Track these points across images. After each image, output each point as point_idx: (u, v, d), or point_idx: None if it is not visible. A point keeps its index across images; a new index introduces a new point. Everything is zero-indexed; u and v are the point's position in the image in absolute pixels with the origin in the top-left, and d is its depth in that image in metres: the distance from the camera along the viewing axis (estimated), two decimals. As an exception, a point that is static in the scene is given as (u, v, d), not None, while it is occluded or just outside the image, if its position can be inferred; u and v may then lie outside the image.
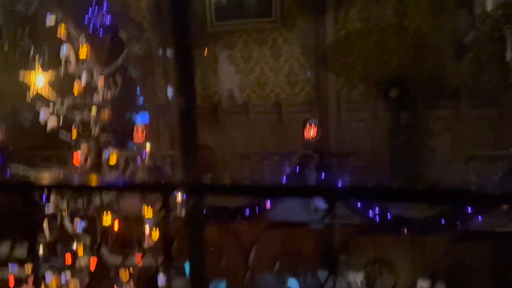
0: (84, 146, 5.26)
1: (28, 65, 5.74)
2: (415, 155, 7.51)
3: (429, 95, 7.42)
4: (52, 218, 6.05)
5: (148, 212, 5.70)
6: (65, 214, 5.77)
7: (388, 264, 7.96)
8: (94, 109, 5.35)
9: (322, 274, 8.24)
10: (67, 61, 5.66)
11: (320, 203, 6.82)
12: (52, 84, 5.78)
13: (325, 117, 7.86)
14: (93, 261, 5.19)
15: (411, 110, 7.50)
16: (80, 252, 5.51)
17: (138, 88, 9.93)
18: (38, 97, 5.75)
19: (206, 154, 8.69)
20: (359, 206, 6.43)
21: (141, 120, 9.44)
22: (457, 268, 7.39)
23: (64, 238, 6.28)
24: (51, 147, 8.64)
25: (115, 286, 5.82)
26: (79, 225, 5.16)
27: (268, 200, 7.00)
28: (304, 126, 6.76)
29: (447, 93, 7.47)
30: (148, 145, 6.48)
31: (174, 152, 7.94)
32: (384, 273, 8.03)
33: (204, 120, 8.86)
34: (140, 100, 10.37)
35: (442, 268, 7.55)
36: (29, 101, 5.74)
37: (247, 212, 7.00)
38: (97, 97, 5.52)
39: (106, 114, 5.47)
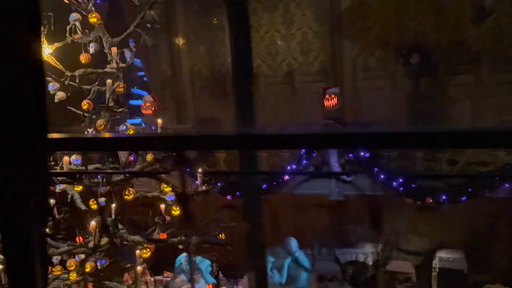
0: (99, 120, 4.93)
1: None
2: (435, 124, 7.27)
3: (450, 60, 7.14)
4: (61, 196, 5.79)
5: (167, 188, 5.43)
6: (77, 189, 5.49)
7: (406, 234, 7.83)
8: (109, 80, 4.99)
9: (338, 246, 8.11)
10: (74, 30, 5.29)
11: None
12: (59, 54, 5.42)
13: (340, 86, 7.55)
14: (114, 241, 4.93)
15: (431, 77, 7.23)
16: (96, 231, 5.21)
17: (139, 61, 9.54)
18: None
19: (214, 128, 8.40)
20: (382, 177, 6.23)
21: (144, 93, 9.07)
22: (476, 238, 7.27)
23: (76, 218, 6.01)
24: (53, 123, 8.27)
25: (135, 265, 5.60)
26: (100, 203, 4.87)
27: (286, 173, 6.77)
28: (324, 96, 6.47)
29: (467, 58, 7.20)
30: (159, 120, 6.14)
31: (184, 126, 7.62)
32: (401, 244, 7.92)
33: (212, 92, 8.54)
34: (142, 72, 9.98)
35: (462, 237, 7.44)
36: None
37: (264, 185, 6.76)
38: (110, 67, 5.16)
39: (120, 85, 5.12)
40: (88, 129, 5.44)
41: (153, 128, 6.48)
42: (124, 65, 5.18)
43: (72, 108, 5.56)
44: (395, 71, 7.43)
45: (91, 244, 5.00)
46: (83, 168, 5.19)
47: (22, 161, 1.01)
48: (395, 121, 7.40)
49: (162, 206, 5.69)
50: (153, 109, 7.15)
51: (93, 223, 4.97)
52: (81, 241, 6.43)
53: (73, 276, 5.37)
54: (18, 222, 1.01)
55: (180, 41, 8.46)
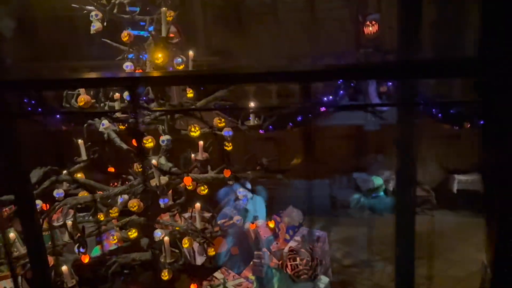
0: (158, 52, 4.56)
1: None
2: (458, 51, 7.32)
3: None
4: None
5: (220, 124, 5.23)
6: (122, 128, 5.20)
7: (422, 159, 8.09)
8: (164, 8, 4.57)
9: (357, 175, 8.31)
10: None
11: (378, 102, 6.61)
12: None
13: (365, 12, 7.35)
14: (187, 180, 4.75)
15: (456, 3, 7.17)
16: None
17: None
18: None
19: (229, 61, 8.06)
20: (422, 103, 6.28)
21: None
22: (495, 161, 7.61)
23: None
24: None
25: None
26: (164, 141, 4.62)
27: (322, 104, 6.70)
28: (364, 22, 6.28)
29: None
30: (190, 52, 5.75)
31: (211, 58, 7.24)
32: (420, 169, 8.21)
33: (226, 22, 8.10)
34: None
35: (480, 160, 7.79)
36: None
37: (299, 118, 6.68)
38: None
39: (171, 13, 4.72)
40: (128, 64, 5.06)
41: (175, 61, 6.08)
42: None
43: (107, 40, 5.14)
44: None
45: (152, 184, 4.80)
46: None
47: None
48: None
49: (201, 143, 5.50)
50: (177, 40, 6.72)
51: (154, 161, 4.74)
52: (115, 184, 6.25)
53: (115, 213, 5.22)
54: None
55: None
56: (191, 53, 5.78)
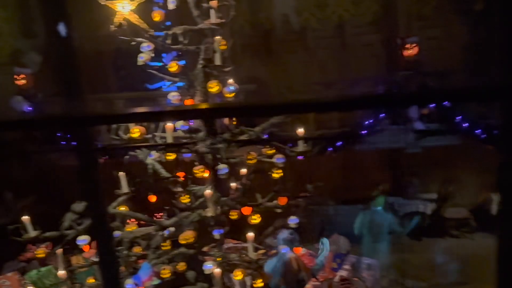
0: (212, 81, 4.52)
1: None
2: (491, 72, 7.31)
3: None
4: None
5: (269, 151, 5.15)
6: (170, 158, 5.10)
7: (460, 182, 7.97)
8: (218, 37, 4.56)
9: (393, 199, 8.17)
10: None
11: (419, 125, 6.56)
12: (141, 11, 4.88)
13: (394, 37, 7.39)
14: (246, 210, 4.64)
15: (488, 24, 7.19)
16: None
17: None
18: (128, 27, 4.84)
19: (260, 89, 8.02)
20: (463, 124, 6.23)
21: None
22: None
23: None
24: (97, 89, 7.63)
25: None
26: (222, 170, 4.52)
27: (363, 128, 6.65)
28: (403, 45, 6.29)
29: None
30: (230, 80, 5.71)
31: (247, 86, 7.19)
32: (455, 192, 8.08)
33: (255, 49, 8.13)
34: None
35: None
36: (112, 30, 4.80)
37: (339, 143, 6.61)
38: (209, 23, 4.70)
39: (222, 42, 4.70)
40: (173, 94, 5.04)
41: (227, 89, 5.96)
42: (224, 20, 4.74)
43: (154, 72, 5.13)
44: (451, 20, 7.33)
45: (208, 213, 4.68)
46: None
47: None
48: (451, 71, 7.36)
49: (243, 170, 5.41)
50: (229, 68, 6.69)
51: (208, 191, 4.64)
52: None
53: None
54: None
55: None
56: (231, 81, 5.73)
